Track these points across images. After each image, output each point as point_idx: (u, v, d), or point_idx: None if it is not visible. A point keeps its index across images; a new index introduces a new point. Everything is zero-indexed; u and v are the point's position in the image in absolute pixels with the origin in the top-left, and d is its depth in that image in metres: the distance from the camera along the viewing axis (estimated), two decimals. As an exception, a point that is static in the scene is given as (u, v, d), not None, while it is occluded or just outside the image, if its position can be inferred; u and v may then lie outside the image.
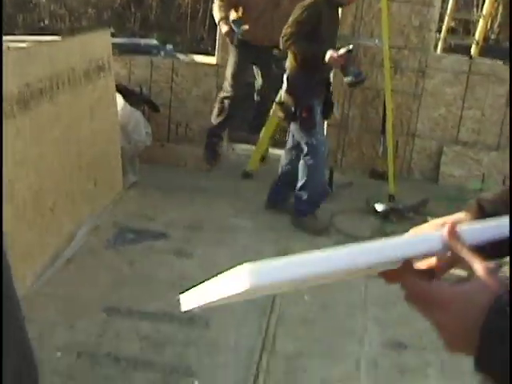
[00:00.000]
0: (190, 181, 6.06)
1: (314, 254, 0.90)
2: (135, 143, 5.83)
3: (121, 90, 5.85)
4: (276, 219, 5.38)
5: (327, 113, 5.43)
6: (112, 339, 3.49)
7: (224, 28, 5.99)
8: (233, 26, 5.92)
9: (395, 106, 6.59)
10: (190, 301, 0.96)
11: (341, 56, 4.91)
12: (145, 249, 4.58)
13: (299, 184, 5.25)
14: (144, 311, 3.77)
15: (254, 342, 3.58)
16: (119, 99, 5.66)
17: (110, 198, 5.24)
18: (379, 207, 5.75)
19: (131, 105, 5.86)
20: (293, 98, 5.09)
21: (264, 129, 6.45)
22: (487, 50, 8.89)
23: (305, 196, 5.23)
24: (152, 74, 6.77)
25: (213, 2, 6.30)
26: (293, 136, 5.37)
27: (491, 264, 0.89)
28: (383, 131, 6.54)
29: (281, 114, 5.23)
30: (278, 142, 7.27)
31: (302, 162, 5.25)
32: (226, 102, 6.28)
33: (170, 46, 7.44)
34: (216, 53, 6.82)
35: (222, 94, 6.29)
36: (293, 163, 5.44)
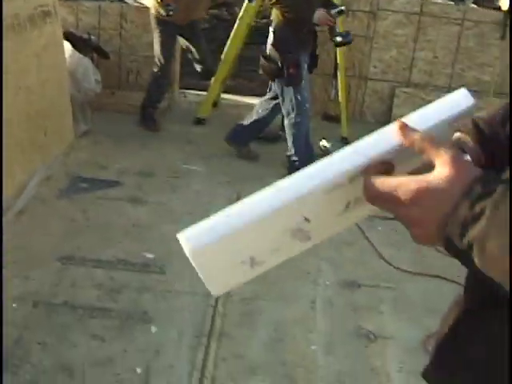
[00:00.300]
0: (141, 128, 6.01)
1: (251, 199, 0.86)
2: (85, 91, 5.73)
3: (68, 36, 5.71)
4: (228, 163, 5.39)
5: (313, 67, 5.35)
6: (67, 288, 3.49)
7: None
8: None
9: (347, 48, 6.57)
10: (198, 240, 0.88)
11: (331, 17, 4.82)
12: (98, 197, 4.54)
13: (292, 150, 5.22)
14: (98, 259, 3.76)
15: (210, 286, 3.61)
16: (67, 46, 5.53)
17: (62, 148, 5.17)
18: (332, 149, 5.79)
19: (80, 52, 5.74)
20: (279, 52, 4.95)
21: (215, 75, 6.39)
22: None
23: (295, 158, 5.22)
24: (100, 20, 6.61)
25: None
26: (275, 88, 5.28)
27: (454, 149, 0.85)
28: (335, 74, 6.53)
29: (267, 69, 5.09)
30: (230, 88, 7.23)
31: (286, 122, 5.19)
32: (159, 74, 6.05)
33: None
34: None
35: (155, 69, 6.07)
36: (269, 113, 5.39)
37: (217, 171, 5.22)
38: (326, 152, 5.80)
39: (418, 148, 0.86)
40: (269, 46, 5.07)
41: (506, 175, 0.88)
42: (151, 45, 6.64)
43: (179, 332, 3.21)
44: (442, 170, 0.83)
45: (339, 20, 5.33)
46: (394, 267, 4.05)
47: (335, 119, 6.64)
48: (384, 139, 0.92)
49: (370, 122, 6.94)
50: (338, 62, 6.31)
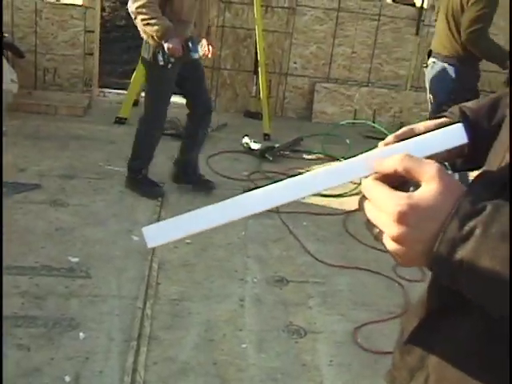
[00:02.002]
0: (61, 128, 5.87)
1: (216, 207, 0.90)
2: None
3: (-20, 35, 5.54)
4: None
5: None
6: (-11, 296, 3.37)
7: (173, 40, 4.30)
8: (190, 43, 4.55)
9: (267, 45, 6.60)
10: (155, 236, 0.92)
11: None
12: (18, 201, 4.41)
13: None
14: (22, 266, 3.65)
15: (137, 288, 3.56)
16: (-21, 45, 5.36)
17: (-23, 151, 5.00)
18: (255, 146, 5.80)
19: (-7, 51, 5.57)
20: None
21: (135, 73, 6.31)
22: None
23: None
24: (13, 17, 6.42)
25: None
26: None
27: (440, 165, 0.82)
28: (256, 71, 6.55)
29: None
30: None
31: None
32: (154, 125, 4.81)
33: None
34: (81, -7, 6.54)
35: (147, 116, 4.76)
36: None
37: (140, 171, 5.14)
38: (248, 149, 5.81)
39: (402, 169, 0.83)
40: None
41: (494, 189, 0.88)
42: (68, 43, 6.51)
43: (108, 337, 3.15)
44: (427, 187, 0.80)
45: None
46: (321, 262, 4.10)
47: (257, 116, 6.66)
48: (362, 166, 0.90)
49: (291, 117, 7.00)
50: (259, 58, 6.33)
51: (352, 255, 4.23)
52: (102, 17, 7.59)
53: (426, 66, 4.87)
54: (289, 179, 0.91)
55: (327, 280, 3.91)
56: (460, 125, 0.91)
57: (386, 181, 0.85)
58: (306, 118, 6.97)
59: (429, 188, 0.80)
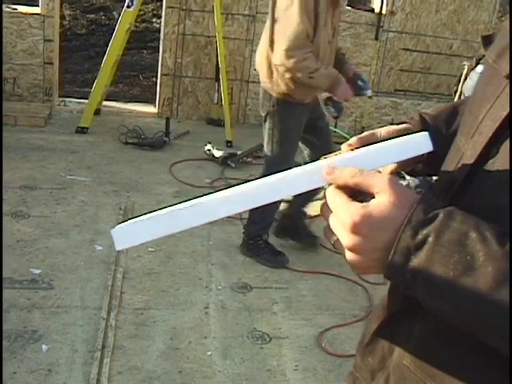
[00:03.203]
0: (21, 139, 5.80)
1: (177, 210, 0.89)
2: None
3: None
4: (114, 172, 5.30)
5: None
6: (-51, 311, 3.32)
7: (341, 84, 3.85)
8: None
9: (228, 52, 6.61)
10: (123, 239, 0.90)
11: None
12: (-22, 213, 4.36)
13: None
14: (-18, 278, 3.61)
15: (101, 298, 3.54)
16: None
17: None
18: (217, 153, 5.81)
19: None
20: None
21: (96, 81, 6.28)
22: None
23: None
24: (-30, 27, 6.35)
25: None
26: None
27: (392, 176, 0.85)
28: (217, 78, 6.57)
29: None
30: (111, 94, 7.13)
31: None
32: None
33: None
34: (40, 2, 6.46)
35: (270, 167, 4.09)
36: None
37: (102, 181, 5.12)
38: (211, 156, 5.81)
39: (353, 183, 0.85)
40: None
41: (447, 195, 0.90)
42: (27, 52, 6.45)
43: (71, 348, 3.12)
44: (379, 198, 0.82)
45: None
46: (284, 267, 4.11)
47: (219, 123, 6.68)
48: (311, 180, 0.91)
49: (253, 124, 7.02)
50: (220, 65, 6.34)
51: (315, 260, 4.26)
52: (61, 25, 7.54)
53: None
54: (244, 186, 0.91)
55: (291, 285, 3.93)
56: (426, 133, 0.93)
57: (347, 188, 0.87)
58: (269, 124, 6.99)
59: (381, 199, 0.82)
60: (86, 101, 6.43)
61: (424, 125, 1.19)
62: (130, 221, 0.90)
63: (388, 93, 7.27)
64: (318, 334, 3.47)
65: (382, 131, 1.16)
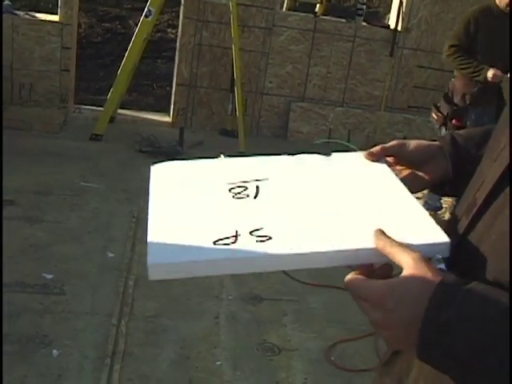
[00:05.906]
0: (36, 144, 5.84)
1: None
2: (-25, 107, 5.54)
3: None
4: (127, 179, 5.31)
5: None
6: (-39, 313, 3.34)
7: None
8: None
9: (243, 64, 6.64)
10: (158, 272, 0.94)
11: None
12: (-8, 217, 4.38)
13: None
14: (-5, 282, 3.63)
15: (112, 305, 3.55)
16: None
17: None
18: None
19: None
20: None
21: (112, 89, 6.32)
22: (331, 8, 9.13)
23: None
24: (-10, 33, 6.40)
25: None
26: None
27: (418, 254, 0.87)
28: (232, 89, 6.59)
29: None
30: (126, 102, 7.16)
31: None
32: None
33: (7, 2, 7.04)
34: (59, 10, 6.52)
35: None
36: None
37: (115, 188, 5.14)
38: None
39: (387, 252, 0.89)
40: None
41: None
42: (45, 59, 6.50)
43: (82, 354, 3.13)
44: (405, 275, 0.85)
45: None
46: (295, 280, 4.11)
47: (233, 134, 6.69)
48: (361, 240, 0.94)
49: (266, 136, 7.03)
50: (235, 77, 6.37)
51: (326, 273, 4.23)
52: (78, 33, 7.59)
53: None
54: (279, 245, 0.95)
55: (301, 298, 3.93)
56: (448, 242, 0.93)
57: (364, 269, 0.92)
58: (282, 137, 7.01)
59: (405, 275, 0.85)
60: (101, 108, 6.47)
61: (454, 145, 1.19)
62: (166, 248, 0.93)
63: (401, 109, 7.27)
64: (327, 348, 3.46)
65: (411, 145, 1.17)
